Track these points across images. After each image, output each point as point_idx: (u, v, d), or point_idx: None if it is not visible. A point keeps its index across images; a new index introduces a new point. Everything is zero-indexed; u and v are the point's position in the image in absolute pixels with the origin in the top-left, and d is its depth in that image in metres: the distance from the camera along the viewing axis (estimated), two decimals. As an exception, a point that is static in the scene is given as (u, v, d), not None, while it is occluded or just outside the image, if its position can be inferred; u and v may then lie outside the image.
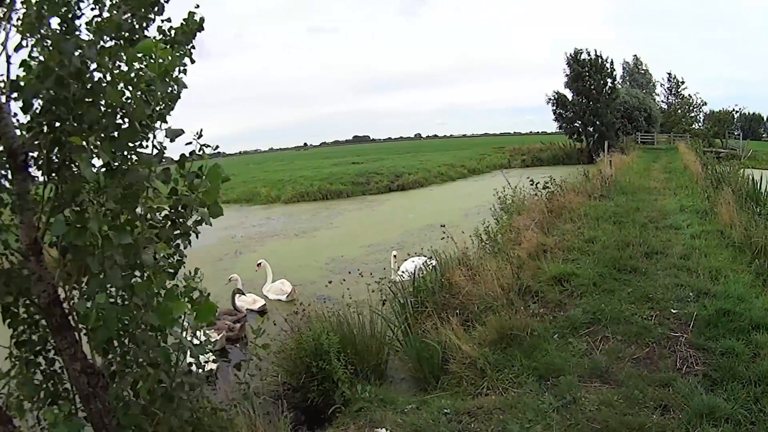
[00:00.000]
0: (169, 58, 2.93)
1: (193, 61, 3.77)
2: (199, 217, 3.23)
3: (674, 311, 6.88)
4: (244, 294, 11.22)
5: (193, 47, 3.93)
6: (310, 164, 54.61)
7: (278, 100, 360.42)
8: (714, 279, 7.86)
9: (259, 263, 12.98)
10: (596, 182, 17.23)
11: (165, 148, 3.11)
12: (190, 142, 3.24)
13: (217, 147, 3.55)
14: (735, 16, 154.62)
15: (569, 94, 48.47)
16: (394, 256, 12.13)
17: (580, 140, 48.59)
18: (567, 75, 47.74)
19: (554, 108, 49.21)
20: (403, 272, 10.84)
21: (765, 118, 79.28)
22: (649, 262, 9.00)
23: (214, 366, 7.36)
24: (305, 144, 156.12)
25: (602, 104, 45.72)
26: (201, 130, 3.28)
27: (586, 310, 7.05)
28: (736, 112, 59.30)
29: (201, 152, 3.22)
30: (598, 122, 46.01)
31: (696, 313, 6.65)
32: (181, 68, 3.38)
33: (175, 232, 3.34)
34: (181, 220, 3.32)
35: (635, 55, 70.30)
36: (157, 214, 3.24)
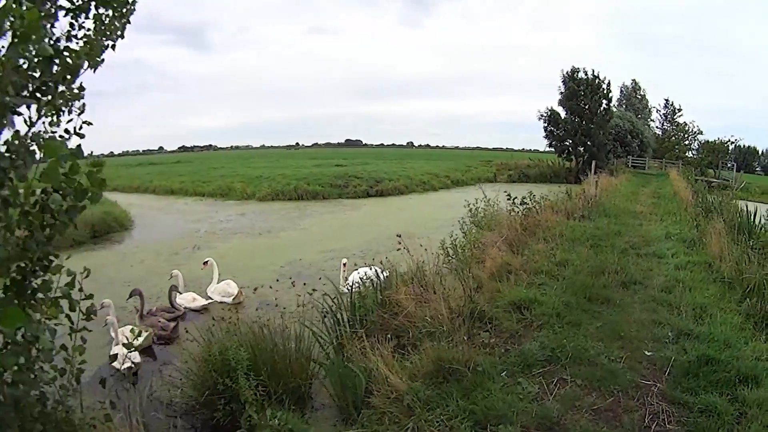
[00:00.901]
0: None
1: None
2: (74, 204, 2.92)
3: (648, 353, 5.80)
4: (179, 292, 10.72)
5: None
6: (294, 163, 53.73)
7: (273, 98, 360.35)
8: (698, 318, 6.79)
9: (206, 261, 12.20)
10: (578, 202, 16.12)
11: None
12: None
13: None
14: (737, 46, 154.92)
15: (562, 112, 47.72)
16: (344, 264, 11.32)
17: (570, 159, 47.83)
18: (561, 93, 46.99)
19: (546, 125, 48.45)
20: (351, 283, 9.92)
21: (761, 152, 79.07)
22: (626, 293, 7.95)
23: (131, 365, 7.20)
24: (296, 144, 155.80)
25: (595, 125, 45.03)
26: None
27: (545, 345, 5.97)
28: (732, 143, 58.45)
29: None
30: (589, 143, 45.33)
31: (674, 358, 5.60)
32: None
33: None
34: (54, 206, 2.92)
35: (634, 80, 70.19)
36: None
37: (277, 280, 10.46)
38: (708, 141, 60.95)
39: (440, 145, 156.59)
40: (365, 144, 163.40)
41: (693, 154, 62.28)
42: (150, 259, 15.95)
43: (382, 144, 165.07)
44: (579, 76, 46.20)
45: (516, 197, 13.55)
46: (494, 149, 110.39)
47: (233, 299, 11.04)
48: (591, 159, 33.93)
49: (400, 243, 9.32)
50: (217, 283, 11.60)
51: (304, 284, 9.83)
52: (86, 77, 3.44)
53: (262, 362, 6.16)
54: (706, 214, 13.87)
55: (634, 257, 10.22)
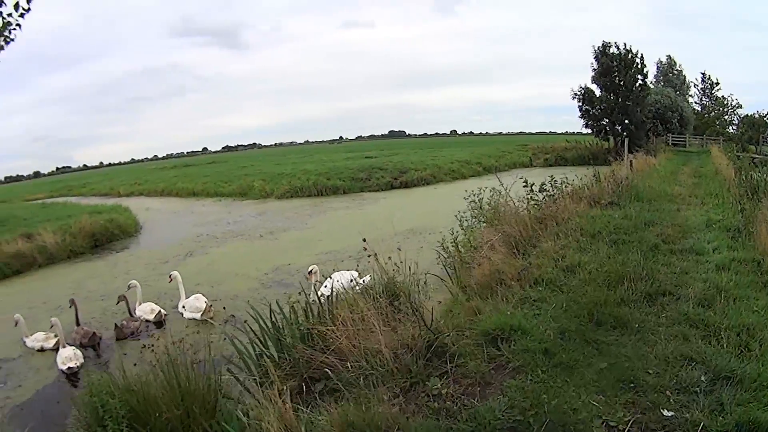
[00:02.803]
0: None
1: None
2: None
3: (667, 414, 3.83)
4: (127, 303, 10.42)
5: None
6: (325, 157, 52.24)
7: (314, 93, 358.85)
8: (743, 348, 4.64)
9: (171, 275, 11.35)
10: (606, 186, 13.82)
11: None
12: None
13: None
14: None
15: (597, 90, 44.90)
16: (312, 272, 10.14)
17: (607, 139, 45.03)
18: (594, 69, 44.09)
19: (580, 104, 45.59)
20: (331, 291, 8.05)
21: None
22: (649, 309, 5.73)
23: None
24: (340, 137, 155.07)
25: (632, 102, 42.18)
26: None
27: (514, 403, 4.09)
28: (771, 117, 54.49)
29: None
30: (627, 121, 42.53)
31: (705, 423, 3.63)
32: None
33: None
34: None
35: (669, 56, 65.97)
36: None
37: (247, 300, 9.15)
38: (747, 115, 57.39)
39: (483, 132, 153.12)
40: (408, 134, 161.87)
41: (733, 130, 58.78)
42: (138, 269, 15.12)
43: (425, 134, 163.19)
44: (611, 51, 43.44)
45: (533, 184, 11.52)
46: (538, 133, 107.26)
47: (201, 314, 10.21)
48: (630, 138, 31.44)
49: (365, 249, 7.65)
50: (186, 297, 10.80)
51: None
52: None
53: (160, 406, 5.08)
54: (752, 195, 11.43)
55: (666, 255, 7.92)
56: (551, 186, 12.03)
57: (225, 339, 6.34)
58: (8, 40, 3.90)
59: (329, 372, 5.09)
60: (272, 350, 5.97)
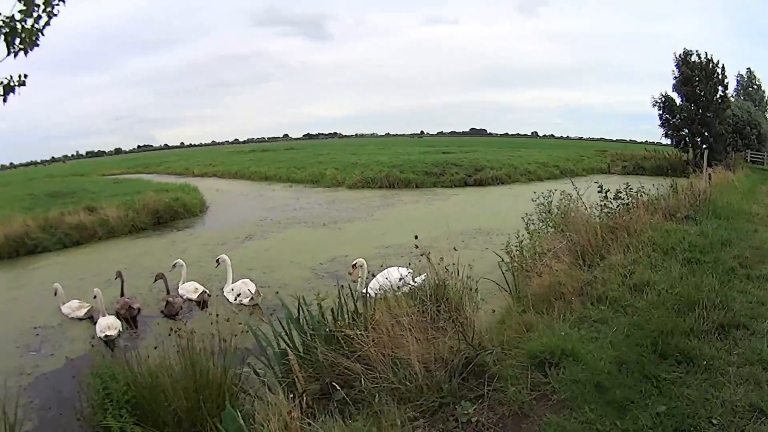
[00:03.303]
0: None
1: None
2: None
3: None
4: (165, 281, 10.47)
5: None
6: (401, 150, 51.86)
7: (396, 87, 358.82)
8: None
9: (218, 260, 11.21)
10: (684, 199, 12.85)
11: None
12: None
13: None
14: None
15: (677, 99, 42.77)
16: (354, 265, 9.89)
17: (686, 151, 42.86)
18: (675, 77, 41.90)
19: (661, 112, 43.48)
20: (380, 285, 7.99)
21: None
22: (721, 344, 4.97)
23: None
24: (422, 132, 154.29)
25: (712, 114, 39.95)
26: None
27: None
28: None
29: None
30: (706, 133, 40.42)
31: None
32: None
33: None
34: None
35: (749, 69, 62.23)
36: None
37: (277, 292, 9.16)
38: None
39: (564, 136, 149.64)
40: (490, 133, 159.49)
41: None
42: (194, 249, 15.26)
43: (506, 133, 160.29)
44: (692, 59, 41.33)
45: (608, 190, 10.62)
46: (617, 140, 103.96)
47: (249, 300, 10.10)
48: (709, 151, 29.79)
49: (416, 246, 7.16)
50: (233, 282, 10.72)
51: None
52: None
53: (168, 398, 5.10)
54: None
55: (743, 281, 6.98)
56: (626, 194, 11.16)
57: (254, 329, 5.94)
58: (51, 15, 3.97)
59: (352, 380, 4.71)
60: (299, 348, 5.57)
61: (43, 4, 4.52)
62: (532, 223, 10.83)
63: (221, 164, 46.57)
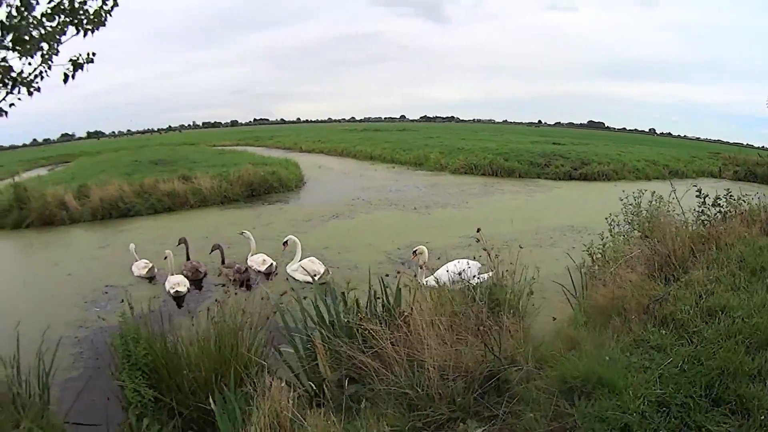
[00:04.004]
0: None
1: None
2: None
3: None
4: (221, 252, 11.06)
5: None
6: (512, 138, 49.87)
7: (514, 73, 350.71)
8: None
9: (286, 241, 11.12)
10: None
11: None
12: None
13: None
14: None
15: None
16: (415, 252, 9.41)
17: (810, 159, 39.24)
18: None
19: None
20: (440, 277, 7.68)
21: None
22: None
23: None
24: (539, 121, 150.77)
25: (840, 120, 36.64)
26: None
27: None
28: None
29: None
30: (833, 142, 37.01)
31: None
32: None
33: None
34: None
35: None
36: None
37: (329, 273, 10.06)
38: None
39: (682, 135, 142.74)
40: (607, 127, 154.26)
41: None
42: (279, 223, 15.42)
43: (624, 128, 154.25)
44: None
45: (706, 195, 9.18)
46: (734, 143, 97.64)
47: (319, 277, 9.78)
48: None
49: (479, 241, 6.59)
50: (299, 261, 10.68)
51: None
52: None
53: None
54: None
55: None
56: (726, 201, 9.84)
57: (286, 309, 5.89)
58: None
59: (369, 376, 4.49)
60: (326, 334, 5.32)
61: None
62: (617, 225, 9.89)
63: (329, 141, 47.16)
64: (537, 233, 14.03)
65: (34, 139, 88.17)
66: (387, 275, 7.97)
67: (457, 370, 4.05)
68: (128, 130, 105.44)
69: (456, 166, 30.30)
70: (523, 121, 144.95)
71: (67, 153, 49.10)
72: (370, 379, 4.38)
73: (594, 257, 8.54)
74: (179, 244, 11.18)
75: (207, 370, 5.12)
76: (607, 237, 9.16)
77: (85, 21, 5.39)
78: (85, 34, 5.42)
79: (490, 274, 6.93)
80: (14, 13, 4.90)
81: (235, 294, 6.56)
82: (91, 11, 5.39)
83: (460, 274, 7.15)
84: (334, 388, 4.68)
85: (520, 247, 6.91)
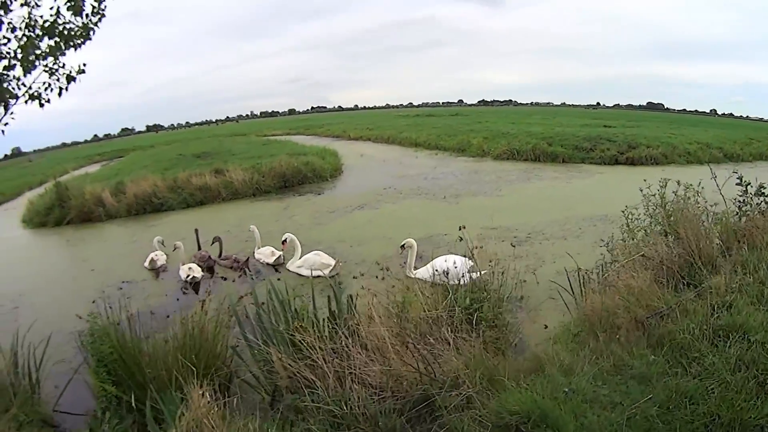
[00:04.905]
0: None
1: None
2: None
3: None
4: (220, 245, 11.55)
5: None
6: (564, 121, 48.69)
7: (571, 56, 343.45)
8: None
9: (284, 240, 10.99)
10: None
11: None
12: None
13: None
14: None
15: None
16: (403, 246, 9.34)
17: None
18: None
19: None
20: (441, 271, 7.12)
21: None
22: None
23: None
24: (597, 103, 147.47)
25: None
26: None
27: None
28: None
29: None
30: None
31: None
32: None
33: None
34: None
35: None
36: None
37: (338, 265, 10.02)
38: None
39: (744, 116, 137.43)
40: (667, 108, 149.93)
41: None
42: (302, 216, 15.46)
43: (684, 110, 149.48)
44: None
45: (748, 183, 8.00)
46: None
47: (331, 271, 9.73)
48: None
49: (461, 239, 6.34)
50: (301, 256, 10.68)
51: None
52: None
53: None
54: None
55: None
56: None
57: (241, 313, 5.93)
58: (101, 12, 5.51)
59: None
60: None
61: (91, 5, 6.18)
62: (636, 218, 8.72)
63: (377, 128, 46.82)
64: (565, 223, 13.35)
65: (95, 135, 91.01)
66: (387, 270, 7.78)
67: (389, 390, 3.67)
68: (186, 123, 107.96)
69: (498, 152, 29.58)
70: (582, 103, 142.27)
71: (121, 148, 51.09)
72: (306, 390, 4.11)
73: (612, 253, 7.81)
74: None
75: (167, 369, 5.11)
76: (625, 231, 8.45)
77: (75, 37, 5.99)
78: (76, 49, 6.03)
79: (478, 273, 6.73)
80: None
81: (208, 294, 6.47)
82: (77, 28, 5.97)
83: (446, 273, 6.69)
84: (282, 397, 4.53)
85: (513, 246, 6.48)
